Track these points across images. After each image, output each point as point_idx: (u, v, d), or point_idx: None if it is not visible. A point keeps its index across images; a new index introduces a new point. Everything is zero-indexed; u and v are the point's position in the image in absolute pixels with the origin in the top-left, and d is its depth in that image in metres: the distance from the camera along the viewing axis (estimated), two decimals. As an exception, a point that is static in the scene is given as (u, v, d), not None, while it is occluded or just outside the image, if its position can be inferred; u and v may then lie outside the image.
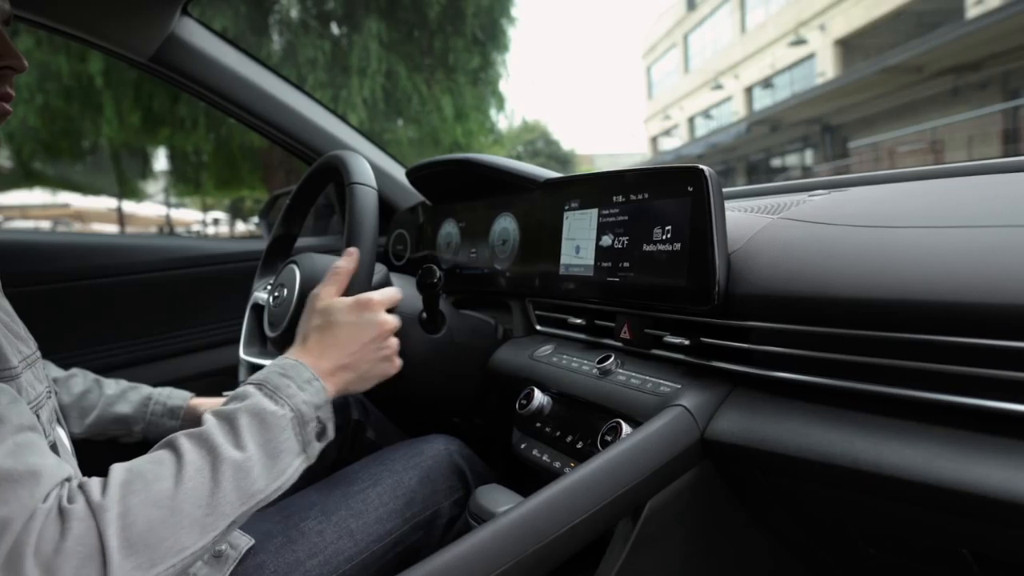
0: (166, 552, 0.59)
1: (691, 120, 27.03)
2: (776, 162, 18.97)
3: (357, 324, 0.87)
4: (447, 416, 1.34)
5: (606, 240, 0.96)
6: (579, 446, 0.89)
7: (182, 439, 0.66)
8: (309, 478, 1.06)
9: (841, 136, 15.24)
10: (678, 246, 0.83)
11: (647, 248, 0.88)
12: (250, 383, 0.76)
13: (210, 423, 0.69)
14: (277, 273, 1.18)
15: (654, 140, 31.95)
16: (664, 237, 0.85)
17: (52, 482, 0.58)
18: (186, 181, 13.61)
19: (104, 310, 1.49)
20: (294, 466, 0.72)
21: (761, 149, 18.89)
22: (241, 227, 20.56)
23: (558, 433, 0.94)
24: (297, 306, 1.06)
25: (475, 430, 1.25)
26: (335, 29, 10.63)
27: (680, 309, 0.84)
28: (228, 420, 0.70)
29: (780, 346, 0.73)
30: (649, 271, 0.87)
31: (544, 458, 0.95)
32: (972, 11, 11.65)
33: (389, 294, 0.93)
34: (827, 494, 0.70)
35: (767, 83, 20.55)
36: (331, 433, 0.79)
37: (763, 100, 20.47)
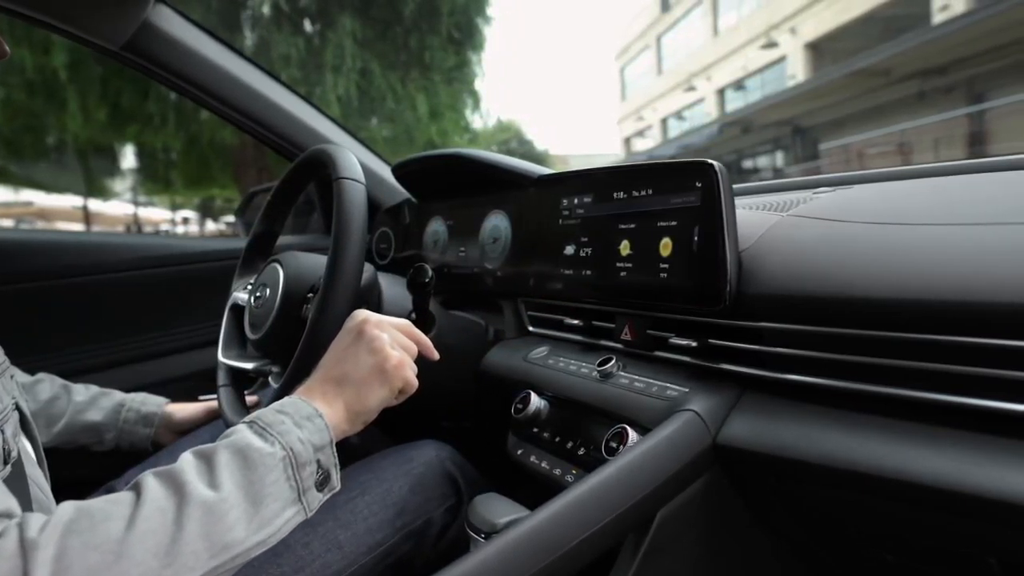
0: None
1: (664, 121, 27.18)
2: (748, 163, 19.14)
3: (357, 354, 0.75)
4: (435, 420, 1.30)
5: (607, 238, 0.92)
6: (581, 452, 0.86)
7: (148, 477, 0.58)
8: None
9: (812, 138, 15.43)
10: (685, 243, 0.80)
11: (652, 246, 0.84)
12: (242, 421, 0.67)
13: (184, 459, 0.60)
14: (258, 272, 1.14)
15: (627, 141, 32.10)
16: (671, 234, 0.82)
17: None
18: (155, 179, 13.39)
19: (73, 311, 1.42)
20: (284, 516, 0.61)
21: (733, 150, 19.05)
22: (211, 226, 20.27)
23: (558, 439, 0.91)
24: (280, 307, 1.01)
25: (465, 435, 1.21)
26: (309, 26, 10.49)
27: (688, 310, 0.81)
28: (204, 457, 0.60)
29: (794, 348, 0.71)
30: (654, 270, 0.84)
31: (543, 465, 0.91)
32: (938, 17, 11.86)
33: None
34: (839, 497, 0.68)
35: (739, 85, 20.73)
36: (336, 482, 0.68)
37: (735, 102, 20.64)
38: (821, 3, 15.77)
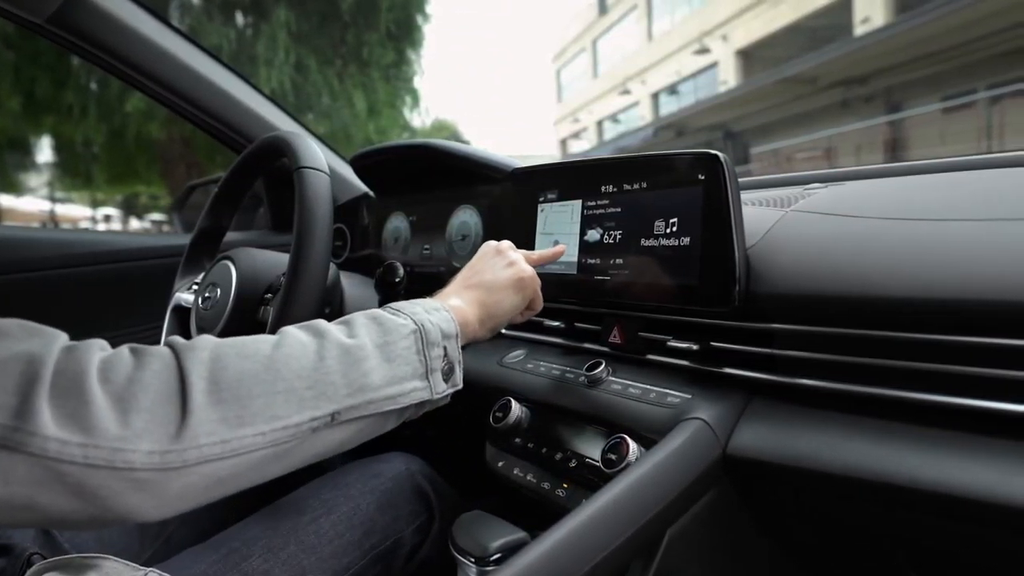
0: (257, 413, 0.50)
1: (600, 123, 27.49)
2: (682, 166, 19.51)
3: (495, 266, 0.78)
4: (398, 428, 1.22)
5: (593, 235, 0.87)
6: (572, 464, 0.79)
7: (285, 327, 0.59)
8: (249, 506, 0.92)
9: (743, 142, 15.86)
10: (687, 241, 0.74)
11: (646, 243, 0.79)
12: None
13: (320, 320, 0.61)
14: (206, 271, 1.04)
15: (563, 142, 32.34)
16: (668, 231, 0.76)
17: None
18: (74, 174, 12.68)
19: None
20: (412, 385, 0.61)
21: (667, 153, 19.38)
22: (136, 224, 19.41)
23: (544, 450, 0.84)
24: (233, 308, 0.92)
25: (431, 444, 1.14)
26: (241, 17, 10.11)
27: (691, 311, 0.75)
28: (342, 321, 0.62)
29: (807, 351, 0.66)
30: (649, 269, 0.78)
31: (528, 478, 0.84)
32: (859, 29, 12.40)
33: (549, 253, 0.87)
34: (857, 509, 0.64)
35: (672, 89, 21.15)
36: (459, 379, 0.68)
37: (669, 106, 21.05)
38: (750, 12, 16.25)
